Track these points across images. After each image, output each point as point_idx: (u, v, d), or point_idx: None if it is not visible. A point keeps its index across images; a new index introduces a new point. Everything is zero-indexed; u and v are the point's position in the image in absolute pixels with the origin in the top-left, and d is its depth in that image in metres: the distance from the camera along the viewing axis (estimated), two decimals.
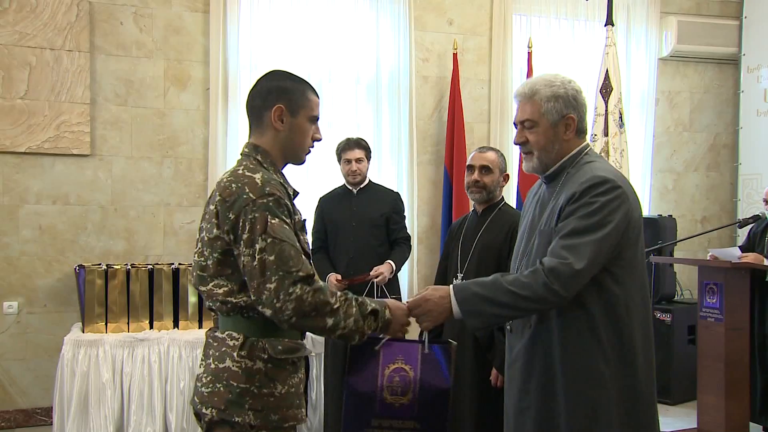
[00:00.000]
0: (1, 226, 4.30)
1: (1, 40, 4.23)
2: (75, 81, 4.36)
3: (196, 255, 1.79)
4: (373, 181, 4.00)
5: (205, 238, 1.75)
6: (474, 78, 5.23)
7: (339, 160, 3.81)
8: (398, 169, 4.97)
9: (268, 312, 1.64)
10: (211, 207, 1.74)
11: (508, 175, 3.03)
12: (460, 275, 2.88)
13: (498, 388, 2.63)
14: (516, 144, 2.08)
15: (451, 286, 1.93)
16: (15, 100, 4.26)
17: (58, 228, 4.39)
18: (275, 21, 4.80)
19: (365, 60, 4.97)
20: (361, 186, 3.80)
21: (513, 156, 5.09)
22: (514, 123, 2.09)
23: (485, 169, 2.92)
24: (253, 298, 1.67)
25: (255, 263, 1.64)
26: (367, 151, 3.82)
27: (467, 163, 3.02)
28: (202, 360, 1.82)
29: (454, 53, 5.01)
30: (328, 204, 3.81)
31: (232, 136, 4.63)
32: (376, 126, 4.97)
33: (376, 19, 4.97)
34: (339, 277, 3.65)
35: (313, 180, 4.65)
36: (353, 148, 3.75)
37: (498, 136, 5.23)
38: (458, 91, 4.98)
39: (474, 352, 2.80)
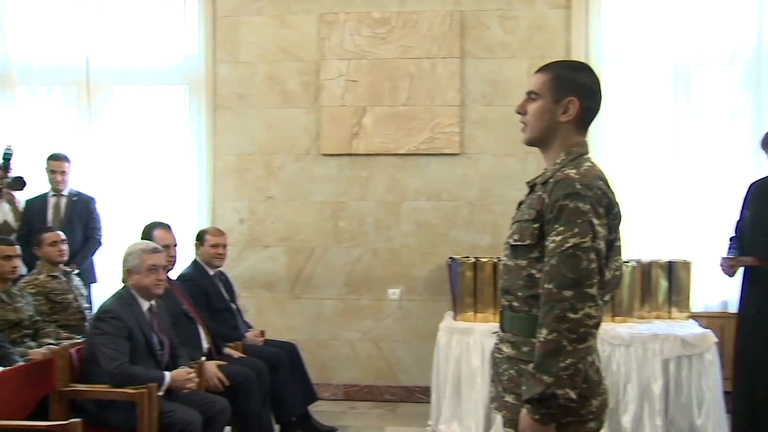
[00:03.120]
0: (387, 221, 4.83)
1: (388, 54, 4.76)
2: (447, 85, 4.69)
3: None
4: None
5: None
6: None
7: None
8: None
9: None
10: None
11: None
12: None
13: None
14: None
15: None
16: (398, 107, 4.75)
17: (432, 222, 4.76)
18: (638, 6, 4.55)
19: (742, 37, 4.44)
20: None
21: None
22: None
23: None
24: None
25: None
26: None
27: None
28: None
29: None
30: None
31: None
32: (754, 112, 4.38)
33: None
34: None
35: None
36: None
37: None
38: None
39: None
